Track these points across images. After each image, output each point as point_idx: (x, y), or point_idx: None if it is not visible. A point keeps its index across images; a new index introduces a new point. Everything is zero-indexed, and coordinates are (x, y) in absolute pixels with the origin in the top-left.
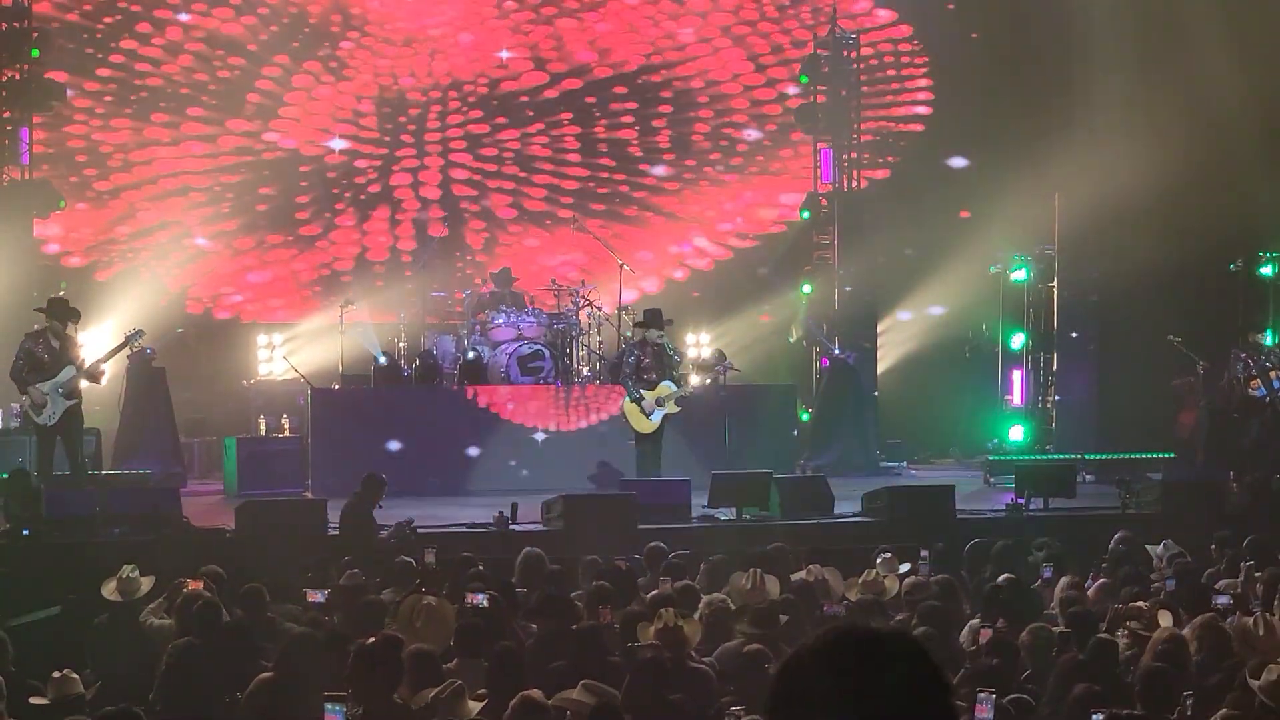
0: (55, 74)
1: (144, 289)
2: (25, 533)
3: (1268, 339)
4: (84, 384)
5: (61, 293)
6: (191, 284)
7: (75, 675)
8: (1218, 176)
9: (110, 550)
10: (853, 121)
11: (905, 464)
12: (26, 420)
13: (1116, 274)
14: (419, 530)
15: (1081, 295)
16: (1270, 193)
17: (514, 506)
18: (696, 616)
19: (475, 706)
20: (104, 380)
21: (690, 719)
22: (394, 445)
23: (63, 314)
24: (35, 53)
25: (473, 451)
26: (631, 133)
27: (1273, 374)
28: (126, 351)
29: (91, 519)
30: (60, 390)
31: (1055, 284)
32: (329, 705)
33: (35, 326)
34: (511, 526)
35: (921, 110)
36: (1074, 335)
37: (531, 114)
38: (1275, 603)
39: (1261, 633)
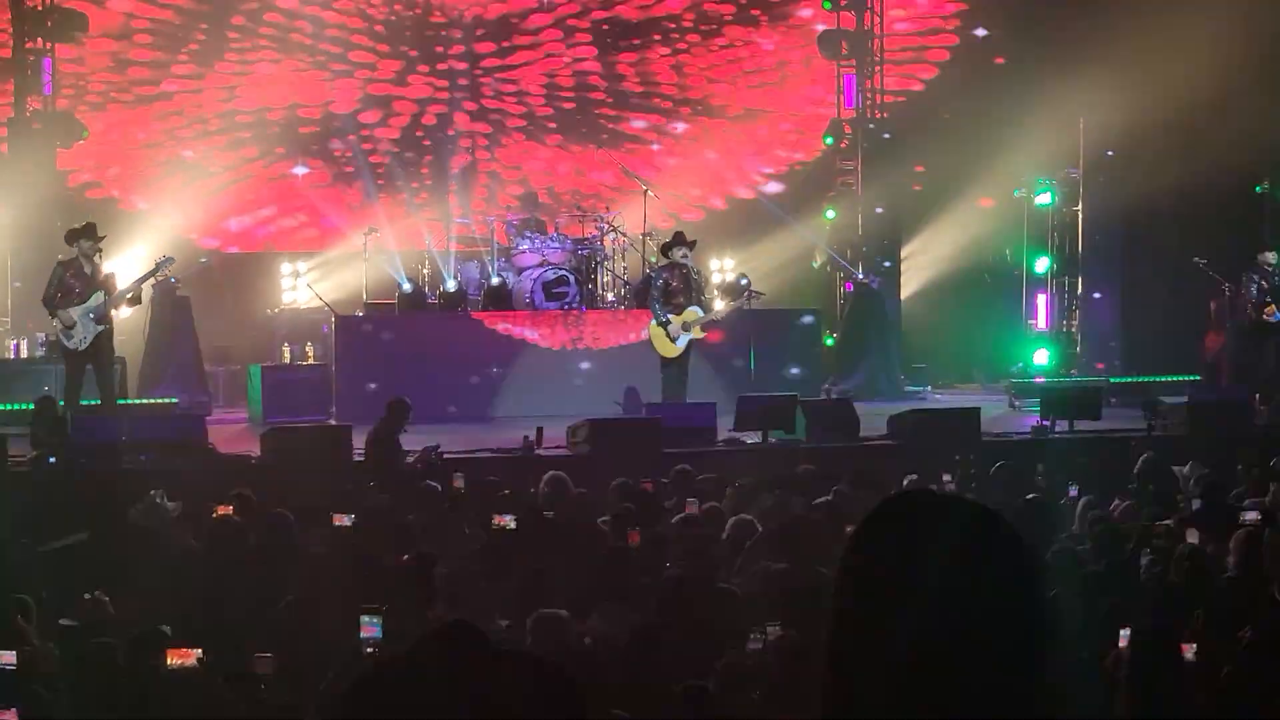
0: (77, 3)
1: (167, 219)
2: (51, 460)
3: (1275, 257)
4: (118, 311)
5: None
6: (215, 213)
7: (105, 598)
8: (1242, 99)
9: (137, 477)
10: (876, 47)
11: (929, 388)
12: (57, 345)
13: (1141, 197)
14: (444, 456)
15: (1106, 219)
16: None
17: (539, 431)
18: (724, 537)
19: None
20: (144, 300)
21: (718, 638)
22: (418, 372)
23: (91, 238)
24: None
25: (497, 377)
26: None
27: None
28: (157, 277)
29: (118, 446)
30: (91, 315)
31: (1080, 207)
32: (366, 618)
33: (62, 257)
34: (537, 451)
35: (947, 39)
36: (1098, 258)
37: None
38: None
39: None
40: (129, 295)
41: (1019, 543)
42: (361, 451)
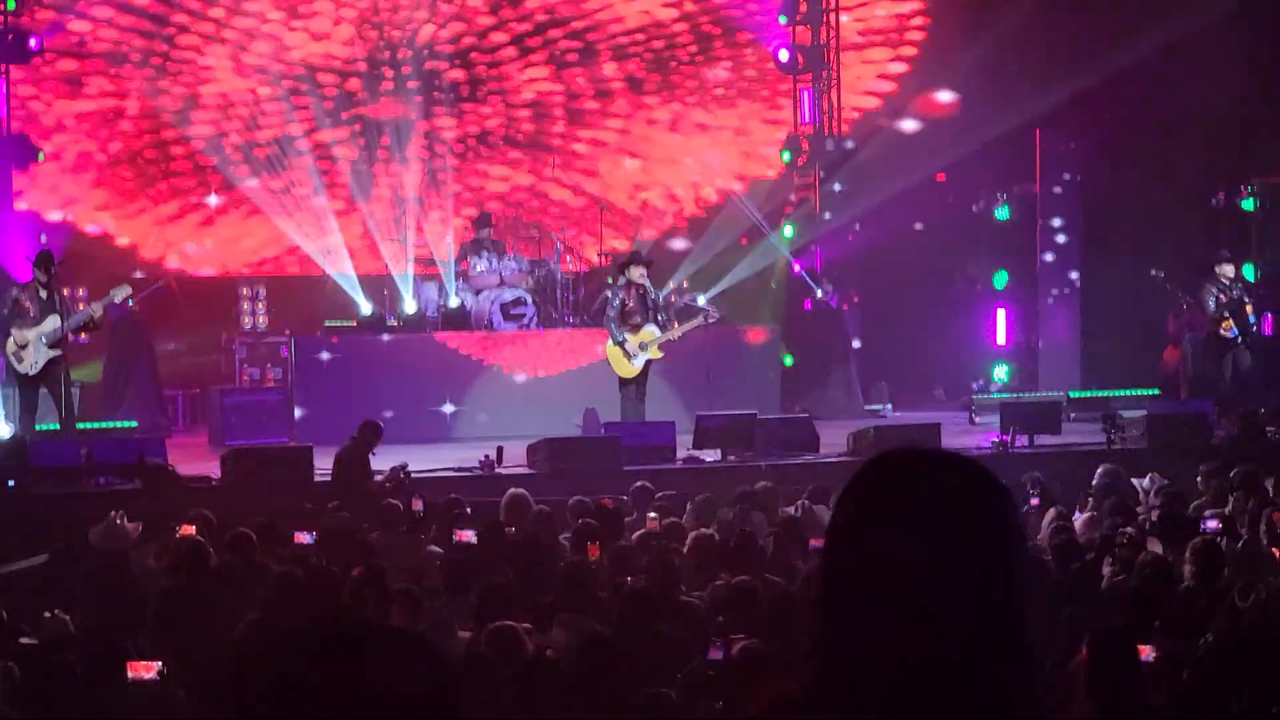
0: (31, 24)
1: (124, 242)
2: (10, 484)
3: (1232, 269)
4: (76, 336)
5: (42, 242)
6: (172, 236)
7: (65, 616)
8: (1200, 111)
9: (96, 499)
10: (833, 62)
11: (889, 406)
12: (9, 369)
13: (1098, 210)
14: (410, 474)
15: (1063, 233)
16: (1251, 126)
17: (499, 450)
18: (685, 551)
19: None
20: (99, 321)
21: (681, 650)
22: (378, 393)
23: (46, 262)
24: (10, 4)
25: (456, 398)
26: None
27: (1248, 307)
28: (116, 303)
29: (77, 469)
30: (44, 339)
31: (1037, 222)
32: None
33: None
34: (497, 470)
35: (906, 50)
36: (1056, 273)
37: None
38: (1262, 529)
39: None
40: (86, 320)
41: (1007, 494)
42: (328, 471)
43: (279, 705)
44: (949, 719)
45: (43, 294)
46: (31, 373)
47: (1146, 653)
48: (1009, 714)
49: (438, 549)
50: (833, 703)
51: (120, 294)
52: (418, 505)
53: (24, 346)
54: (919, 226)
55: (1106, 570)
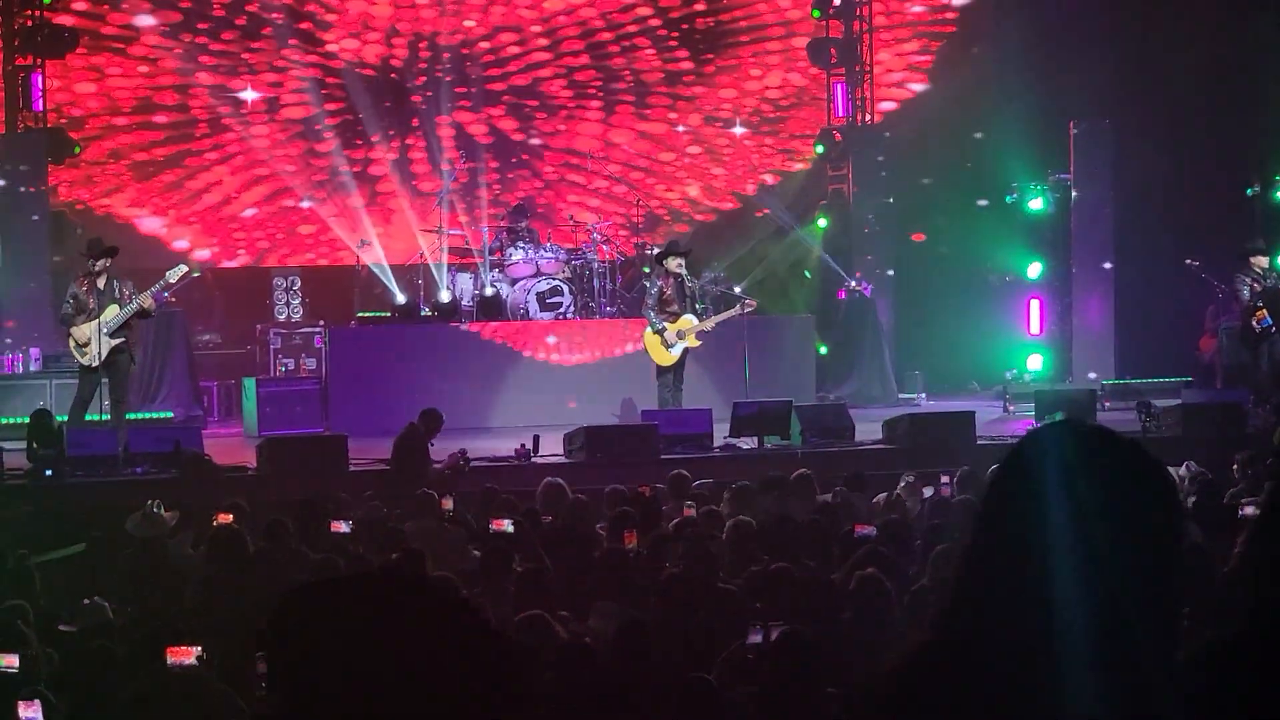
0: (66, 19)
1: (162, 233)
2: (48, 473)
3: (1266, 261)
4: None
5: (79, 234)
6: (208, 228)
7: (104, 603)
8: (1234, 100)
9: (133, 489)
10: (866, 55)
11: (923, 395)
12: (72, 361)
13: (1133, 200)
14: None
15: (1098, 223)
16: None
17: (535, 439)
18: (722, 539)
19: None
20: (150, 310)
21: (719, 635)
22: (412, 383)
23: (101, 253)
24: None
25: (492, 387)
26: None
27: None
28: (170, 285)
29: (114, 458)
30: (104, 330)
31: (1071, 211)
32: None
33: (75, 273)
34: (534, 459)
35: (937, 40)
36: (1090, 262)
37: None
38: None
39: None
40: (138, 309)
41: (1163, 468)
42: (364, 461)
43: (337, 644)
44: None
45: (100, 284)
46: (95, 364)
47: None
48: (1154, 688)
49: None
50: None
51: (175, 274)
52: (448, 505)
53: (85, 342)
54: (942, 215)
55: None
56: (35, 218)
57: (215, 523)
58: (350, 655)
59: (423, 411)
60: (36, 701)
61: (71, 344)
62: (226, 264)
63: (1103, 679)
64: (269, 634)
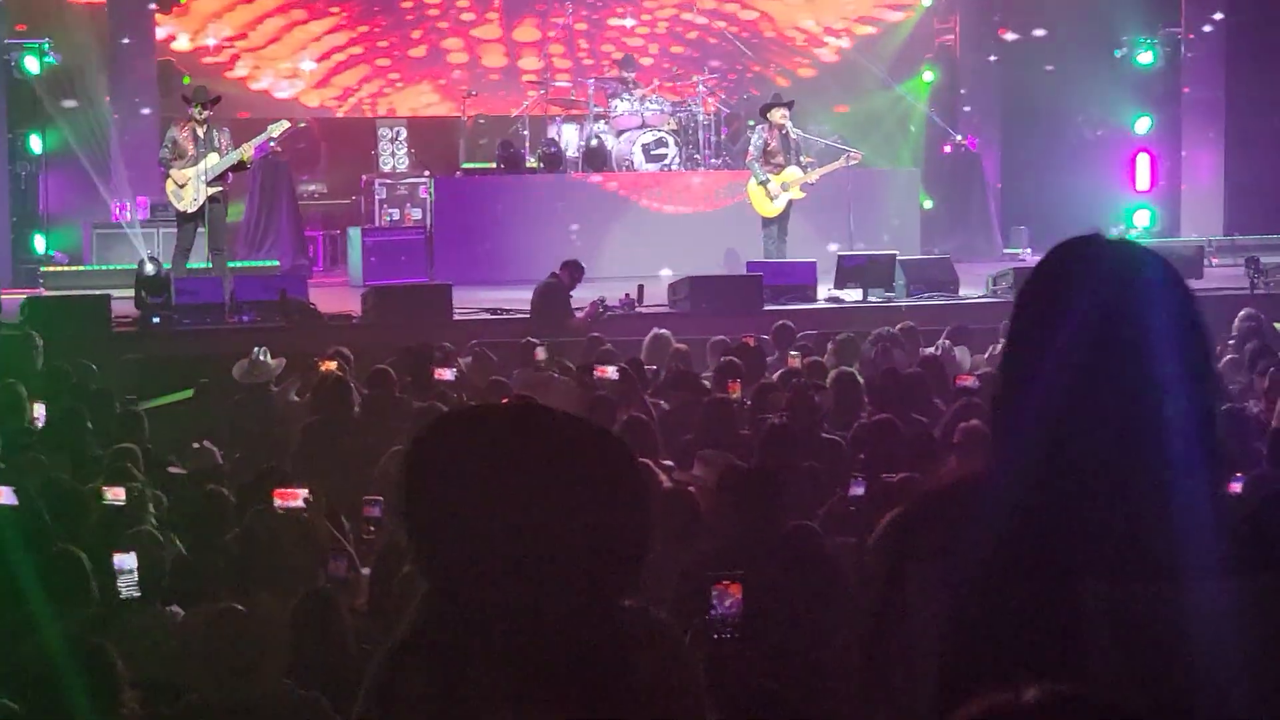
0: None
1: (268, 83)
2: (155, 320)
3: None
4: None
5: (186, 83)
6: (315, 77)
7: (213, 447)
8: None
9: (239, 336)
10: None
11: (1029, 249)
12: (169, 207)
13: (1245, 54)
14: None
15: (1209, 77)
16: None
17: (640, 289)
18: (826, 388)
19: None
20: (248, 162)
21: (822, 485)
22: (517, 234)
23: (203, 100)
24: None
25: (597, 237)
26: None
27: None
28: (274, 140)
29: (220, 306)
30: (203, 177)
31: (1182, 65)
32: None
33: (175, 119)
34: (638, 309)
35: None
36: (1201, 117)
37: None
38: None
39: None
40: (237, 160)
41: (1180, 276)
42: (468, 310)
43: (483, 469)
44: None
45: (200, 131)
46: (191, 210)
47: None
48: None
49: (576, 385)
50: (1005, 479)
51: (278, 129)
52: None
53: (183, 185)
54: (1049, 69)
55: (1256, 410)
56: (143, 65)
57: (320, 369)
58: (492, 484)
59: (565, 262)
60: (131, 552)
61: (169, 186)
62: (332, 115)
63: (1130, 506)
64: (407, 464)
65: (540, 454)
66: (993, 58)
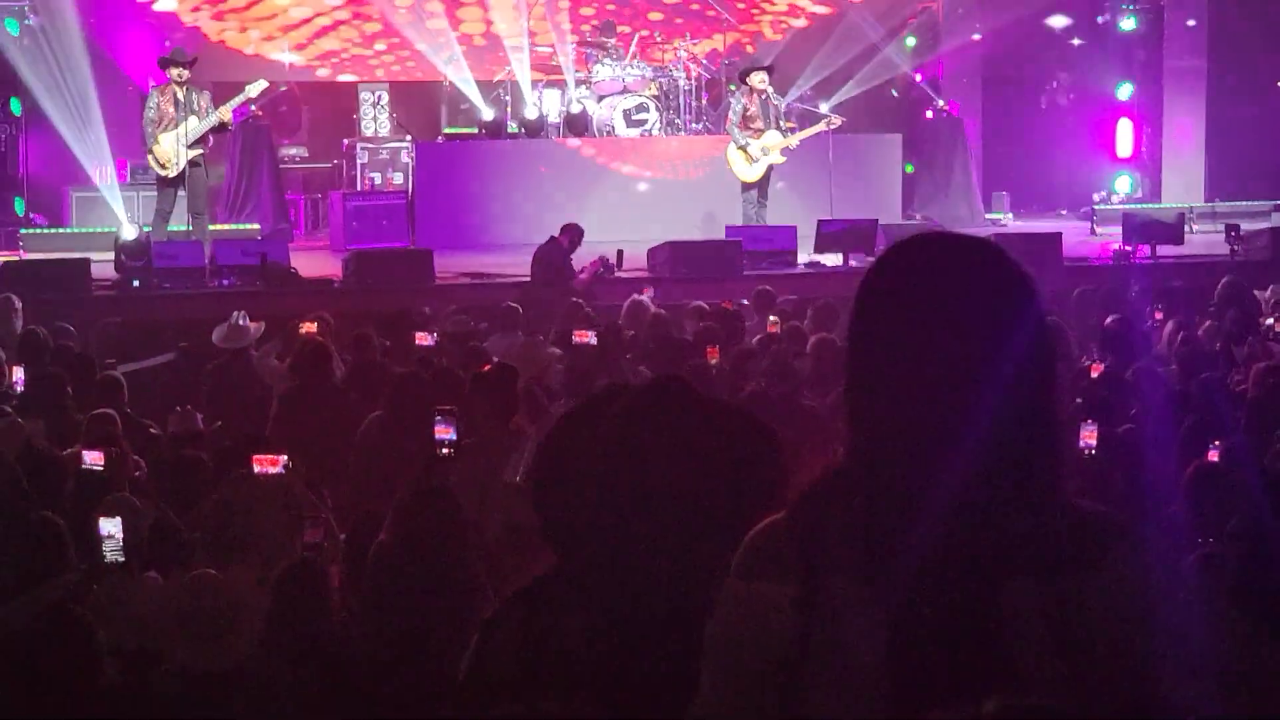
0: None
1: (249, 46)
2: (135, 284)
3: None
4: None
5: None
6: (294, 41)
7: (195, 412)
8: None
9: (220, 300)
10: None
11: (1010, 215)
12: (149, 171)
13: (1226, 22)
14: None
15: (1190, 43)
16: None
17: (619, 254)
18: (805, 355)
19: None
20: (228, 124)
21: (800, 454)
22: (498, 198)
23: (181, 60)
24: None
25: (578, 202)
26: None
27: None
28: (253, 100)
29: (200, 271)
30: (183, 141)
31: (1164, 31)
32: (439, 419)
33: (154, 84)
34: (617, 274)
35: None
36: (1181, 84)
37: None
38: None
39: None
40: (216, 122)
41: (1029, 279)
42: (449, 276)
43: (623, 454)
44: (973, 495)
45: (180, 95)
46: (173, 174)
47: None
48: (1030, 490)
49: (557, 350)
50: (859, 474)
51: (256, 89)
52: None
53: (164, 149)
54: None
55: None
56: (123, 27)
57: (301, 331)
58: (633, 472)
59: (565, 225)
60: (116, 517)
61: (150, 159)
62: (314, 77)
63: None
64: (541, 459)
65: (683, 436)
66: (977, 29)
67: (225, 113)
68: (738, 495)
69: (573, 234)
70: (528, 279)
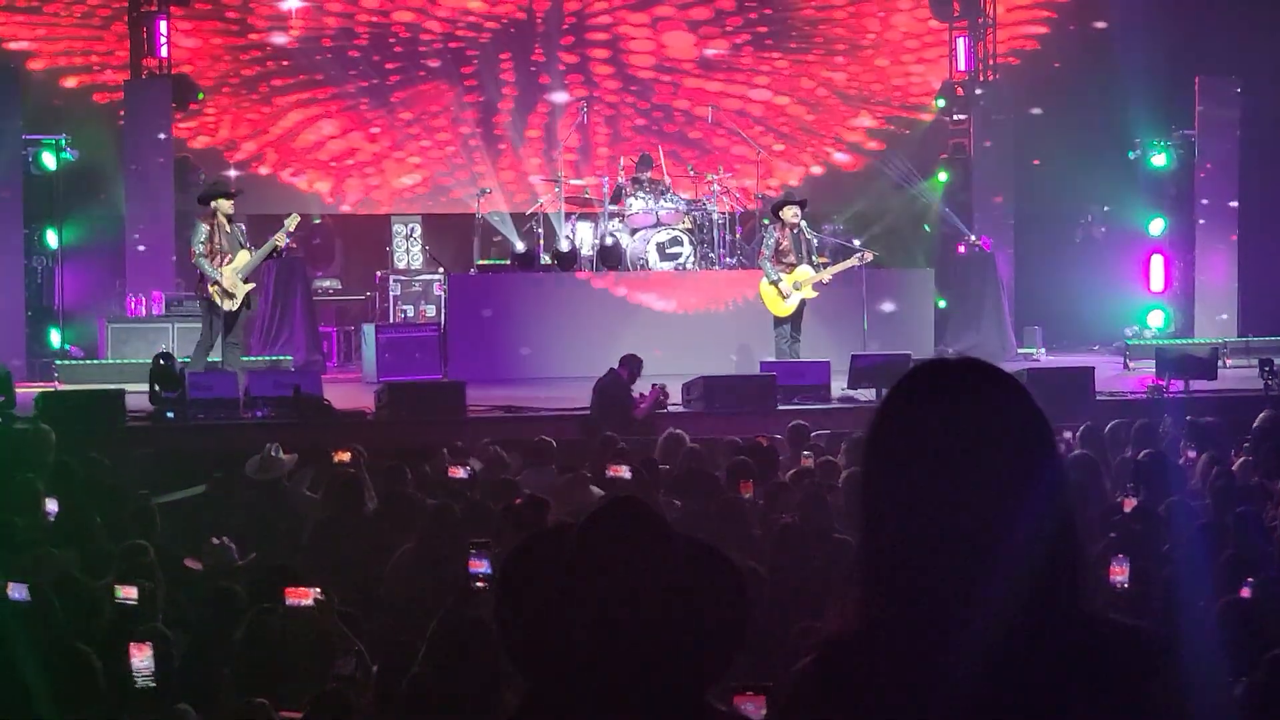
0: None
1: (281, 180)
2: (169, 415)
3: None
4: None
5: (202, 179)
6: (329, 175)
7: (231, 544)
8: None
9: (253, 432)
10: (989, 8)
11: (1042, 350)
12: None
13: (1259, 156)
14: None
15: (1222, 179)
16: None
17: (657, 389)
18: (839, 489)
19: None
20: (283, 250)
21: (834, 586)
22: (530, 331)
23: (226, 194)
24: None
25: (611, 337)
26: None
27: None
28: (290, 234)
29: (235, 402)
30: (240, 275)
31: (1196, 167)
32: (475, 553)
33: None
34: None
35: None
36: (1213, 219)
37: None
38: None
39: None
40: (271, 249)
41: (1040, 416)
42: (481, 407)
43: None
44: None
45: (229, 228)
46: (234, 308)
47: None
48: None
49: (599, 491)
50: (880, 636)
51: (292, 223)
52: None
53: (231, 289)
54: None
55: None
56: (160, 161)
57: (334, 461)
58: (591, 598)
59: (624, 357)
60: (148, 644)
61: (214, 291)
62: (346, 210)
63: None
64: (501, 589)
65: (638, 550)
66: (1008, 160)
67: (279, 239)
68: (698, 616)
69: (632, 365)
70: (568, 411)
